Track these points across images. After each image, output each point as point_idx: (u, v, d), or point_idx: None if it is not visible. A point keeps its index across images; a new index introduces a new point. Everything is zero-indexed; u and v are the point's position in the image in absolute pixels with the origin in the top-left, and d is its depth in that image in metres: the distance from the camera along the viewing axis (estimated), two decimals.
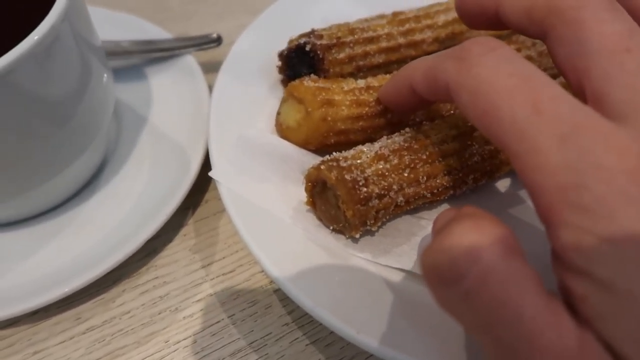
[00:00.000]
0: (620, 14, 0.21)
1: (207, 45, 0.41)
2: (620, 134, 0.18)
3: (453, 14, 0.38)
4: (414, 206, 0.30)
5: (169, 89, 0.41)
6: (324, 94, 0.32)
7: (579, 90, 0.21)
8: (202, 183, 0.37)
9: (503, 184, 0.34)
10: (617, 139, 0.17)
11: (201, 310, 0.32)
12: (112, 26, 0.44)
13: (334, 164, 0.28)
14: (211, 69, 0.43)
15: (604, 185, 0.17)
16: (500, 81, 0.19)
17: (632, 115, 0.18)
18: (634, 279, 0.16)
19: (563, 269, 0.18)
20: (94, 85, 0.32)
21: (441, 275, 0.18)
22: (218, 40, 0.42)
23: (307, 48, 0.35)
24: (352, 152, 0.29)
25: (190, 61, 0.41)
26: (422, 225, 0.31)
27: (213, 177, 0.31)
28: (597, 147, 0.17)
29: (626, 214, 0.16)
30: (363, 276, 0.29)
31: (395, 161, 0.29)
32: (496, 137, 0.19)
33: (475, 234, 0.18)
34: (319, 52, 0.35)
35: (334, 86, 0.33)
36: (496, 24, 0.25)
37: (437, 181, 0.30)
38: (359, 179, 0.27)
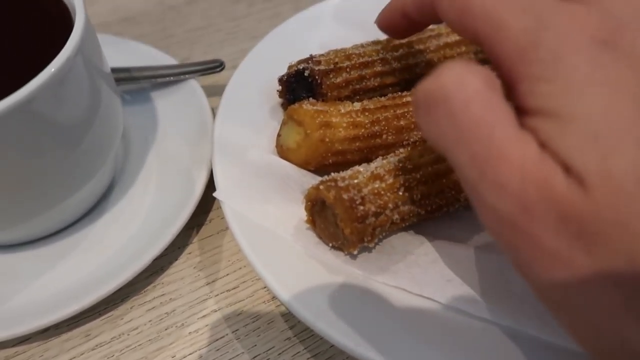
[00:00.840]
0: None
1: (211, 70, 0.43)
2: (574, 5, 0.21)
3: (444, 39, 0.40)
4: (409, 223, 0.32)
5: (174, 113, 0.42)
6: (322, 116, 0.34)
7: None
8: (206, 203, 0.39)
9: None
10: (571, 7, 0.21)
11: (206, 325, 0.34)
12: (120, 53, 0.46)
13: (332, 183, 0.29)
14: (214, 92, 0.45)
15: (557, 38, 0.20)
16: None
17: None
18: (575, 105, 0.19)
19: (523, 119, 0.20)
20: (105, 110, 0.33)
21: (431, 97, 0.21)
22: (221, 66, 0.44)
23: (306, 73, 0.37)
24: (349, 172, 0.31)
25: (194, 85, 0.43)
26: (417, 242, 0.32)
27: (217, 197, 0.33)
28: (552, 13, 0.20)
29: (573, 59, 0.19)
30: (361, 291, 0.30)
31: (391, 181, 0.30)
32: (471, 30, 0.22)
33: (464, 68, 0.21)
34: (317, 77, 0.36)
35: (331, 109, 0.34)
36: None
37: (431, 200, 0.31)
38: (356, 198, 0.29)
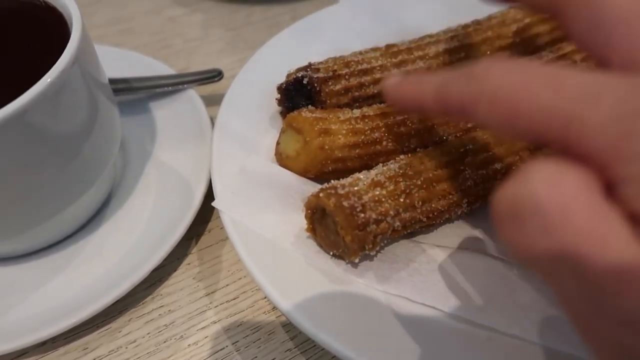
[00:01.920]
0: None
1: (209, 79, 0.43)
2: None
3: (443, 45, 0.40)
4: (410, 230, 0.31)
5: (172, 123, 0.42)
6: (321, 123, 0.33)
7: (603, 63, 0.21)
8: (205, 213, 0.38)
9: None
10: None
11: (206, 337, 0.33)
12: (119, 63, 0.46)
13: (332, 191, 0.29)
14: (213, 102, 0.45)
15: None
16: (514, 80, 0.19)
17: None
18: None
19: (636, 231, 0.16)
20: (102, 121, 0.33)
21: (519, 206, 0.17)
22: (219, 75, 0.43)
23: (305, 81, 0.36)
24: (349, 179, 0.30)
25: (192, 95, 0.43)
26: (419, 250, 0.32)
27: (216, 206, 0.32)
28: (632, 96, 0.16)
29: None
30: (363, 300, 0.29)
31: (391, 187, 0.30)
32: (529, 132, 0.19)
33: (555, 168, 0.17)
34: (316, 84, 0.36)
35: (330, 116, 0.34)
36: None
37: (432, 206, 0.31)
38: (356, 205, 0.28)
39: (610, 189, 0.17)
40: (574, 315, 0.17)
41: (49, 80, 0.27)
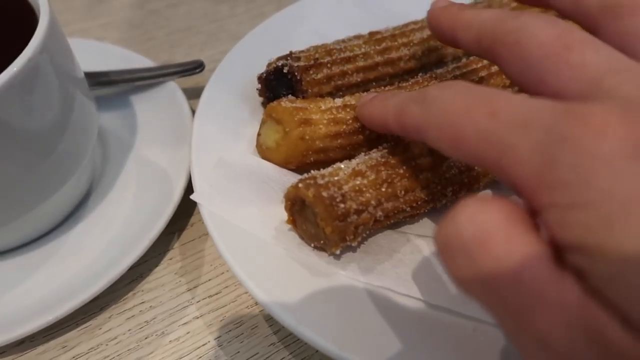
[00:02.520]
0: (553, 21, 0.22)
1: (190, 71, 0.42)
2: (583, 106, 0.17)
3: (428, 32, 0.39)
4: (394, 221, 0.31)
5: (153, 116, 0.41)
6: (301, 113, 0.33)
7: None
8: (187, 207, 0.37)
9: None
10: (581, 109, 0.17)
11: (187, 333, 0.32)
12: (98, 57, 0.45)
13: (312, 181, 0.28)
14: (195, 94, 0.44)
15: (572, 154, 0.16)
16: (457, 107, 0.20)
17: (590, 94, 0.19)
18: (624, 238, 0.15)
19: (563, 253, 0.17)
20: (76, 115, 0.32)
21: (448, 242, 0.18)
22: (200, 67, 0.43)
23: (285, 70, 0.36)
24: (329, 169, 0.30)
25: (173, 88, 0.42)
26: (403, 240, 0.31)
27: (194, 199, 0.32)
28: (558, 124, 0.17)
29: (604, 177, 0.16)
30: (345, 293, 0.29)
31: (373, 177, 0.29)
32: (471, 157, 0.20)
33: (477, 204, 0.18)
34: (296, 73, 0.35)
35: (311, 105, 0.33)
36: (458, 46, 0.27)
37: (416, 195, 0.30)
38: (336, 195, 0.28)
39: (536, 215, 0.18)
40: (508, 335, 0.18)
41: (15, 69, 0.26)
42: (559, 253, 0.17)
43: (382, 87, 0.37)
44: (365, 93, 0.35)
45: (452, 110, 0.21)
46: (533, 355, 0.17)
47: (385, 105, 0.27)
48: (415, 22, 0.40)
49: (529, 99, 0.19)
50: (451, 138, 0.21)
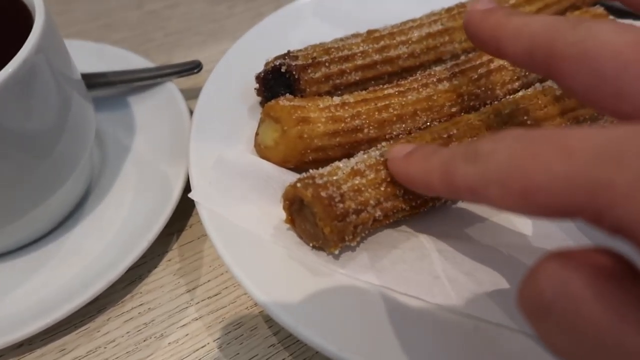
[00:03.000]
0: (622, 27, 0.20)
1: (188, 71, 0.42)
2: None
3: (427, 30, 0.39)
4: (393, 220, 0.30)
5: (151, 117, 0.41)
6: (299, 112, 0.32)
7: (617, 115, 0.20)
8: (186, 208, 0.37)
9: None
10: None
11: (186, 335, 0.32)
12: (96, 58, 0.45)
13: (310, 181, 0.28)
14: (194, 95, 0.44)
15: None
16: (521, 157, 0.18)
17: None
18: None
19: None
20: (73, 116, 0.32)
21: (535, 308, 0.17)
22: (198, 67, 0.42)
23: (283, 69, 0.35)
24: (328, 168, 0.29)
25: (171, 88, 0.42)
26: (403, 238, 0.31)
27: (193, 198, 0.31)
28: None
29: None
30: (345, 292, 0.28)
31: (372, 176, 0.29)
32: (549, 209, 0.18)
33: (560, 264, 0.17)
34: (294, 72, 0.35)
35: (309, 104, 0.33)
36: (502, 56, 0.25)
37: (416, 194, 0.30)
38: (334, 195, 0.27)
39: None
40: None
41: (10, 70, 0.25)
42: None
43: (381, 86, 0.36)
44: (364, 91, 0.35)
45: (516, 162, 0.18)
46: None
47: (428, 165, 0.24)
48: (413, 20, 0.40)
49: (604, 129, 0.17)
50: (521, 193, 0.18)
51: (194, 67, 0.42)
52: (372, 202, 0.28)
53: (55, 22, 0.31)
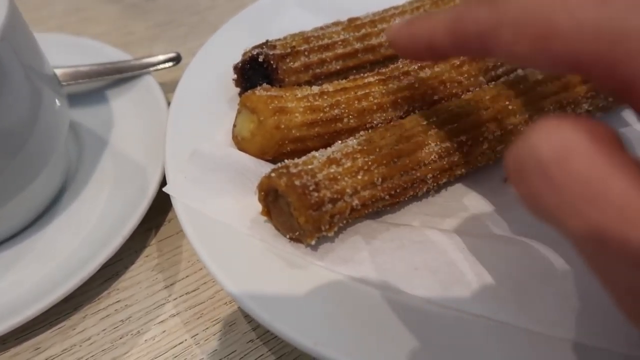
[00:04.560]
0: None
1: (165, 64, 0.41)
2: None
3: (409, 16, 0.38)
4: (372, 209, 0.30)
5: (129, 110, 0.40)
6: (276, 102, 0.31)
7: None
8: (165, 202, 0.36)
9: (466, 183, 0.33)
10: None
11: (163, 332, 0.31)
12: (74, 51, 0.44)
13: (284, 170, 0.27)
14: (174, 88, 0.43)
15: None
16: (548, 2, 0.17)
17: None
18: None
19: None
20: (44, 111, 0.31)
21: (522, 162, 0.17)
22: (176, 59, 0.42)
23: (261, 59, 0.34)
24: (304, 158, 0.29)
25: (150, 81, 0.41)
26: (382, 229, 0.30)
27: (167, 192, 0.30)
28: None
29: None
30: (322, 285, 0.27)
31: (348, 164, 0.28)
32: (562, 58, 0.17)
33: (555, 121, 0.17)
34: (272, 62, 0.34)
35: (287, 94, 0.32)
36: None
37: (394, 182, 0.29)
38: (309, 184, 0.27)
39: None
40: (588, 261, 0.17)
41: None
42: None
43: (362, 75, 0.35)
44: (343, 80, 0.34)
45: (540, 3, 0.17)
46: (620, 281, 0.16)
47: (432, 20, 0.22)
48: (395, 7, 0.39)
49: None
50: (537, 37, 0.17)
51: (173, 60, 0.42)
52: (348, 190, 0.28)
53: (21, 15, 0.30)
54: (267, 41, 0.36)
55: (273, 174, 0.27)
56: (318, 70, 0.36)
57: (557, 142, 0.16)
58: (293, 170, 0.27)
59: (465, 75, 0.35)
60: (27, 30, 0.31)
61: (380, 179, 0.28)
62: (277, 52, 0.35)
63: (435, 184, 0.31)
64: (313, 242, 0.28)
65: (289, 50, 0.35)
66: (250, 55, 0.35)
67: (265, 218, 0.30)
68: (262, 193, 0.29)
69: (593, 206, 0.15)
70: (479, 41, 0.20)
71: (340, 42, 0.36)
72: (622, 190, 0.15)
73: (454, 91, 0.34)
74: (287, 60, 0.35)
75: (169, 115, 0.35)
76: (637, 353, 0.23)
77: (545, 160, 0.16)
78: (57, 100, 0.33)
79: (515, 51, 0.18)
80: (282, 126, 0.31)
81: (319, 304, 0.27)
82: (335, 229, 0.28)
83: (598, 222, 0.15)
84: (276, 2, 0.45)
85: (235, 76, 0.36)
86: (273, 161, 0.33)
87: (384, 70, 0.35)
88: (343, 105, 0.32)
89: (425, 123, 0.30)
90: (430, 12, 0.25)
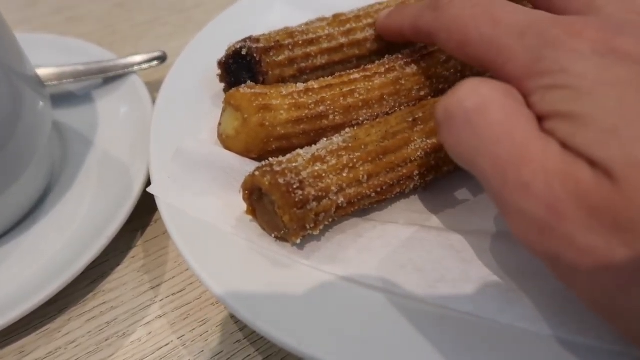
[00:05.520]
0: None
1: (151, 63, 0.41)
2: (567, 19, 0.22)
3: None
4: (358, 207, 0.29)
5: (114, 110, 0.40)
6: (260, 99, 0.31)
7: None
8: (151, 203, 0.36)
9: (453, 180, 0.33)
10: (568, 20, 0.22)
11: (149, 333, 0.31)
12: (59, 51, 0.44)
13: (268, 168, 0.27)
14: (159, 87, 0.43)
15: (559, 50, 0.21)
16: (466, 13, 0.24)
17: (584, 12, 0.24)
18: (589, 104, 0.19)
19: (540, 124, 0.21)
20: (25, 112, 0.31)
21: (449, 110, 0.21)
22: (162, 58, 0.41)
23: (244, 52, 0.34)
24: (288, 156, 0.28)
25: (135, 80, 0.41)
26: (369, 227, 0.30)
27: (151, 192, 0.30)
28: (548, 30, 0.21)
29: (578, 66, 0.20)
30: (308, 284, 0.27)
31: (333, 162, 0.28)
32: (473, 58, 0.24)
33: (479, 80, 0.21)
34: (255, 55, 0.34)
35: (272, 91, 0.32)
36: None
37: (380, 180, 0.29)
38: (293, 182, 0.26)
39: (526, 100, 0.21)
40: (493, 194, 0.21)
41: None
42: (540, 125, 0.20)
43: (348, 72, 0.35)
44: (329, 77, 0.34)
45: (461, 17, 0.24)
46: (514, 207, 0.20)
47: (402, 14, 0.31)
48: (380, 3, 0.39)
49: (529, 11, 0.23)
50: (459, 41, 0.24)
51: (158, 59, 0.41)
52: (333, 188, 0.27)
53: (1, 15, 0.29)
54: (250, 36, 0.36)
55: (257, 172, 0.27)
56: (303, 65, 0.35)
57: (479, 96, 0.21)
58: (277, 169, 0.27)
59: (452, 71, 0.34)
60: (6, 30, 0.30)
61: (365, 177, 0.28)
62: (261, 45, 0.34)
63: (422, 181, 0.31)
64: (298, 241, 0.28)
65: (272, 44, 0.35)
66: (233, 49, 0.35)
67: (250, 217, 0.30)
68: (247, 192, 0.28)
69: (501, 145, 0.20)
70: (427, 36, 0.28)
71: (325, 37, 0.36)
72: (524, 134, 0.20)
73: (440, 87, 0.34)
74: (271, 54, 0.34)
75: (154, 114, 0.35)
76: (617, 348, 0.23)
77: (469, 109, 0.21)
78: (38, 101, 0.33)
79: (448, 48, 0.26)
80: (267, 123, 0.31)
81: (304, 303, 0.26)
82: (321, 227, 0.28)
83: (503, 158, 0.20)
84: (263, 0, 0.44)
85: (220, 72, 0.36)
86: (259, 159, 0.32)
87: (369, 66, 0.34)
88: (328, 102, 0.32)
89: (411, 119, 0.30)
90: (405, 5, 0.33)
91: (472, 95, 0.21)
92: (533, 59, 0.21)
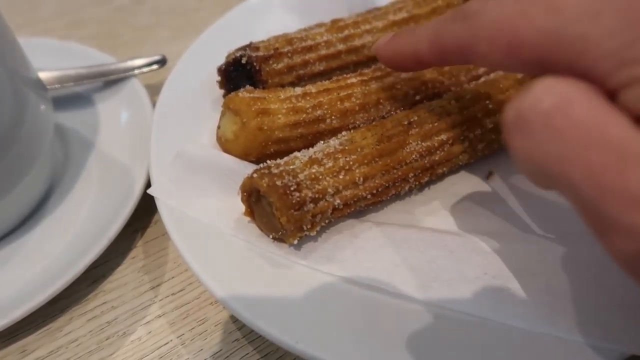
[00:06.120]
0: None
1: (151, 66, 0.41)
2: None
3: (392, 17, 0.38)
4: (355, 209, 0.30)
5: (115, 113, 0.41)
6: (259, 103, 0.32)
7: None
8: (151, 204, 0.36)
9: (448, 182, 0.34)
10: None
11: (149, 332, 0.32)
12: (60, 55, 0.44)
13: (266, 171, 0.28)
14: (159, 90, 0.43)
15: None
16: (511, 10, 0.20)
17: None
18: None
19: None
20: (28, 115, 0.32)
21: (525, 113, 0.18)
22: (162, 62, 0.42)
23: (244, 61, 0.35)
24: (286, 158, 0.29)
25: (135, 84, 0.41)
26: (365, 228, 0.31)
27: (152, 194, 0.31)
28: (631, 5, 0.17)
29: None
30: (305, 284, 0.28)
31: (330, 164, 0.28)
32: (529, 62, 0.20)
33: (555, 78, 0.18)
34: (255, 63, 0.35)
35: (270, 95, 0.33)
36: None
37: (376, 182, 0.29)
38: (290, 184, 0.27)
39: (613, 98, 0.18)
40: (585, 206, 0.17)
41: None
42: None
43: (345, 76, 0.36)
44: (326, 82, 0.35)
45: (506, 17, 0.20)
46: (619, 223, 0.16)
47: (414, 35, 0.26)
48: (378, 9, 0.39)
49: None
50: (508, 46, 0.20)
51: (158, 62, 0.42)
52: (330, 190, 0.28)
53: (3, 19, 0.30)
54: (250, 43, 0.36)
55: (255, 175, 0.28)
56: (301, 72, 0.36)
57: (557, 95, 0.17)
58: (275, 171, 0.27)
59: (447, 75, 0.35)
60: (9, 34, 0.31)
61: (361, 179, 0.29)
62: (260, 54, 0.35)
63: (417, 183, 0.31)
64: (296, 242, 0.28)
65: (272, 51, 0.35)
66: (233, 57, 0.35)
67: (248, 219, 0.30)
68: (245, 194, 0.29)
69: (594, 148, 0.16)
70: (458, 52, 0.23)
71: (323, 44, 0.37)
72: (620, 132, 0.16)
73: (435, 91, 0.35)
74: (270, 62, 0.35)
75: (154, 117, 0.36)
76: (606, 345, 0.23)
77: (548, 109, 0.17)
78: (41, 104, 0.33)
79: (491, 59, 0.21)
80: (265, 127, 0.31)
81: (301, 303, 0.27)
82: (318, 228, 0.29)
83: (599, 163, 0.16)
84: (262, 4, 0.45)
85: (219, 78, 0.36)
86: (257, 162, 0.33)
87: (366, 71, 0.35)
88: (326, 106, 0.33)
89: (406, 123, 0.31)
90: (411, 27, 0.28)
91: (548, 94, 0.18)
92: (621, 43, 0.17)
